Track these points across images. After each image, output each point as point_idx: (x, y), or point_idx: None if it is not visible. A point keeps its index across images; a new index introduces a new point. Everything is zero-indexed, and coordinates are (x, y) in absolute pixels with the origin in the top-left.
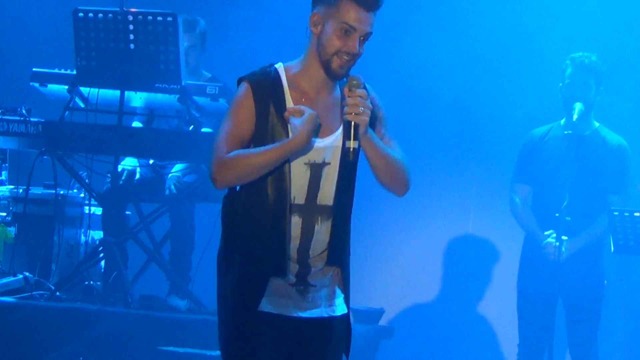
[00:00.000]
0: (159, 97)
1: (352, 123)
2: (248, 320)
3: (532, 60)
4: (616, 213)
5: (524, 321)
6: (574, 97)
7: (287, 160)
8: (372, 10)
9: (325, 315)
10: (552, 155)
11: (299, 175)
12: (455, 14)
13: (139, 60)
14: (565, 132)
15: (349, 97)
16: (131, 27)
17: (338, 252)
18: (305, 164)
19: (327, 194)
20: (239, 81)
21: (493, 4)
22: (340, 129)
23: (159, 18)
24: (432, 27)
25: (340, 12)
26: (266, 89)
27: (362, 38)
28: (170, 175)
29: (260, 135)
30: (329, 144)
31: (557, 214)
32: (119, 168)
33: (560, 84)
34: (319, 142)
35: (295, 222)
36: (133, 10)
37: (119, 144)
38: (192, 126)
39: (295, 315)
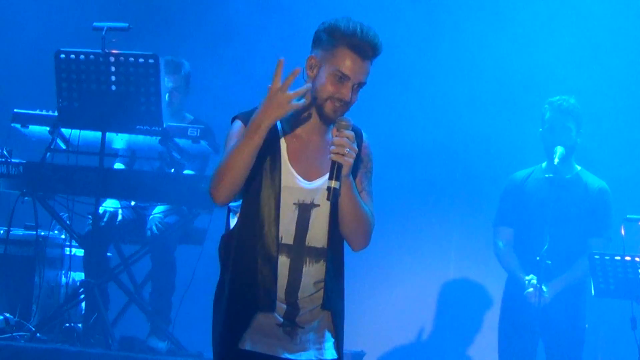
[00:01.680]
0: (141, 138)
1: (336, 163)
2: (231, 357)
3: (514, 104)
4: (597, 257)
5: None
6: (555, 140)
7: (278, 199)
8: (367, 59)
9: (313, 358)
10: (533, 198)
11: (287, 214)
12: (438, 54)
13: (121, 102)
14: (547, 175)
15: (336, 137)
16: (113, 68)
17: (333, 296)
18: (294, 203)
19: (316, 235)
20: (233, 119)
21: (477, 45)
22: None
23: (141, 60)
24: (416, 68)
25: (336, 58)
26: None
27: (355, 86)
28: (151, 216)
29: (254, 170)
30: (318, 187)
31: (537, 258)
32: (101, 209)
33: (540, 129)
34: (309, 184)
35: (283, 261)
36: (115, 51)
37: (100, 186)
38: (173, 168)
39: (282, 356)
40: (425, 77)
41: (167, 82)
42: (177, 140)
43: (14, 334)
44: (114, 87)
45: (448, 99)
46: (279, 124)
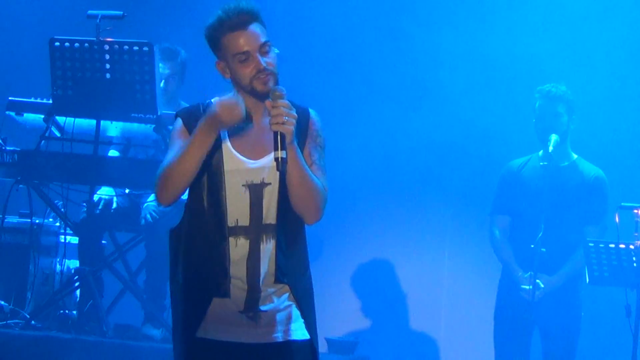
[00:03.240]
0: (135, 126)
1: (278, 133)
2: (191, 346)
3: (509, 94)
4: (591, 244)
5: (500, 352)
6: (547, 128)
7: (222, 183)
8: (247, 25)
9: (280, 340)
10: (529, 186)
11: (238, 197)
12: (432, 44)
13: (115, 90)
14: (542, 163)
15: (273, 107)
16: (107, 56)
17: (285, 270)
18: (243, 185)
19: (271, 213)
20: (175, 116)
21: (472, 35)
22: None
23: (135, 48)
24: (409, 59)
25: (228, 48)
26: (195, 116)
27: (262, 51)
28: (146, 204)
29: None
30: (266, 164)
31: (532, 245)
32: (95, 197)
33: (534, 120)
34: (254, 163)
35: (242, 243)
36: (109, 39)
37: (95, 173)
38: None
39: (245, 341)
40: (420, 68)
41: (163, 68)
42: (171, 127)
43: (8, 321)
44: (108, 75)
45: (443, 89)
46: None
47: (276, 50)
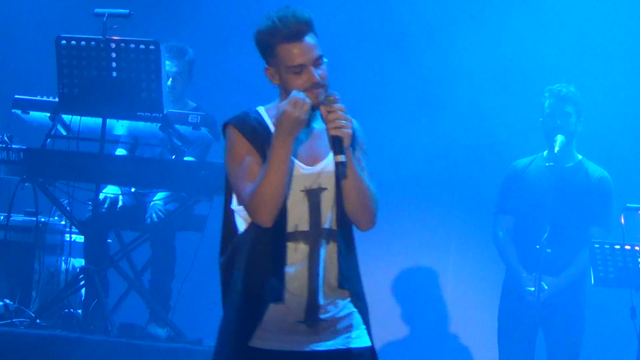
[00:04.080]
0: (142, 125)
1: (336, 137)
2: (242, 355)
3: (513, 94)
4: (597, 245)
5: (504, 353)
6: (555, 128)
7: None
8: (303, 36)
9: (341, 347)
10: (533, 186)
11: (297, 202)
12: (435, 45)
13: (122, 88)
14: (547, 164)
15: (328, 112)
16: (114, 54)
17: (347, 275)
18: (301, 191)
19: (328, 218)
20: (223, 127)
21: (476, 35)
22: (330, 156)
23: (142, 46)
24: (413, 60)
25: (281, 58)
26: (250, 126)
27: (315, 64)
28: (151, 203)
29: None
30: (321, 170)
31: (537, 246)
32: (101, 196)
33: (541, 118)
34: (310, 169)
35: (302, 248)
36: (116, 38)
37: (101, 172)
38: (174, 155)
39: (303, 350)
40: (424, 68)
41: (170, 66)
42: (177, 126)
43: (13, 320)
44: (114, 74)
45: (448, 90)
46: (269, 120)
47: (325, 60)
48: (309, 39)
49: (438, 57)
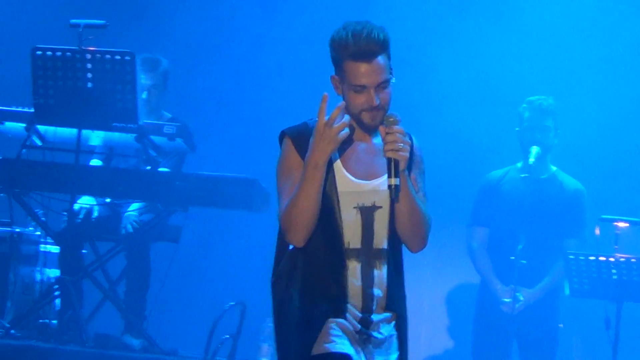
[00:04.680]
0: (117, 135)
1: (392, 160)
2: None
3: (488, 106)
4: (572, 257)
5: None
6: (533, 140)
7: (337, 204)
8: (373, 58)
9: None
10: (508, 198)
11: (350, 219)
12: (412, 54)
13: (97, 99)
14: (522, 175)
15: (387, 133)
16: (89, 65)
17: (395, 298)
18: (354, 207)
19: (380, 237)
20: (281, 135)
21: (452, 44)
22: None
23: (117, 57)
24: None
25: (347, 73)
26: (306, 138)
27: (378, 88)
28: (126, 214)
29: None
30: (377, 187)
31: (512, 257)
32: (76, 206)
33: (517, 128)
34: (366, 186)
35: (354, 266)
36: (91, 48)
37: (76, 183)
38: (149, 166)
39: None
40: (400, 80)
41: (145, 79)
42: (153, 137)
43: None
44: (90, 84)
45: (422, 102)
46: None
47: (393, 80)
48: (378, 61)
49: (415, 69)
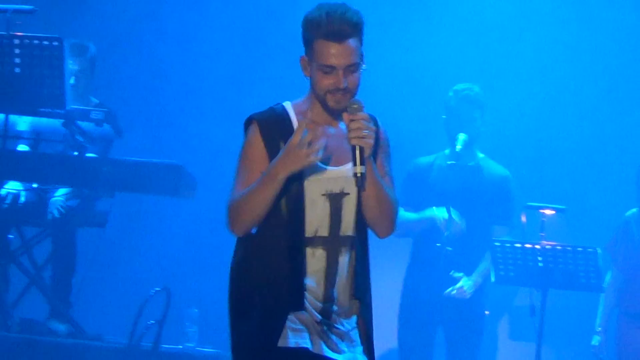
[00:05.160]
0: (44, 121)
1: (357, 147)
2: (272, 356)
3: (416, 92)
4: (497, 244)
5: (404, 352)
6: (460, 128)
7: (302, 192)
8: (345, 39)
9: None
10: (435, 185)
11: (318, 206)
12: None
13: (24, 84)
14: (449, 162)
15: (351, 120)
16: (17, 50)
17: (361, 285)
18: (322, 194)
19: (348, 224)
20: (248, 120)
21: (381, 33)
22: None
23: (45, 42)
24: None
25: (317, 53)
26: (274, 125)
27: (347, 70)
28: (53, 199)
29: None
30: (345, 173)
31: (438, 244)
32: (3, 191)
33: (444, 116)
34: (334, 172)
35: (320, 254)
36: (19, 34)
37: (3, 168)
38: (76, 151)
39: (320, 354)
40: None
41: (72, 65)
42: (80, 123)
43: None
44: (17, 70)
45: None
46: (294, 117)
47: (364, 67)
48: (350, 43)
49: None
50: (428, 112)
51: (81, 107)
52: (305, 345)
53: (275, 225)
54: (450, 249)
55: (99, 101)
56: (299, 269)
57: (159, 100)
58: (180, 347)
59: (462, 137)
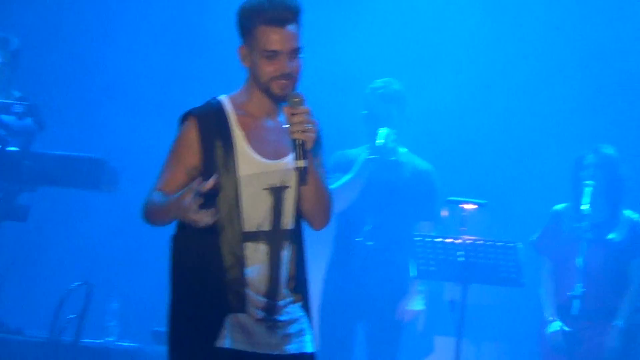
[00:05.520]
0: None
1: (298, 141)
2: (208, 357)
3: (339, 89)
4: (418, 239)
5: (325, 347)
6: (378, 123)
7: (237, 188)
8: (288, 23)
9: (295, 351)
10: (357, 179)
11: (260, 201)
12: None
13: None
14: (370, 157)
15: (292, 114)
16: None
17: (301, 278)
18: (264, 189)
19: (289, 218)
20: (186, 115)
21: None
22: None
23: None
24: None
25: (259, 39)
26: (211, 121)
27: (290, 55)
28: None
29: (208, 168)
30: (285, 166)
31: (359, 239)
32: None
33: (364, 112)
34: (274, 166)
35: (262, 249)
36: None
37: None
38: None
39: (262, 352)
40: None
41: None
42: (1, 116)
43: None
44: None
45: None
46: (231, 112)
47: (302, 55)
48: (291, 28)
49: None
50: (352, 106)
51: (2, 100)
52: (242, 348)
53: (214, 222)
54: (370, 243)
55: (22, 94)
56: (238, 267)
57: (81, 94)
58: (101, 341)
59: (383, 131)
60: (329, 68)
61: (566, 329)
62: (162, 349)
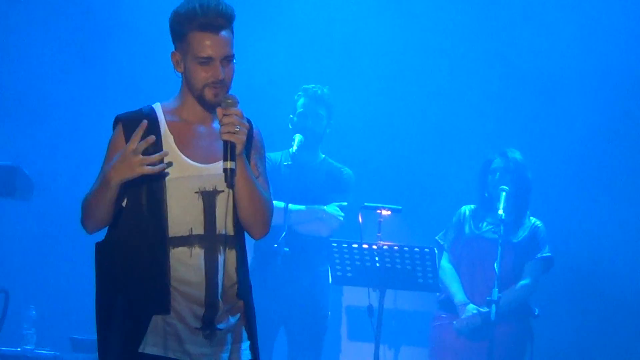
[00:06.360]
0: None
1: (229, 143)
2: None
3: (267, 93)
4: (334, 244)
5: None
6: (306, 127)
7: (163, 191)
8: (221, 30)
9: None
10: (276, 183)
11: (190, 204)
12: None
13: None
14: (285, 163)
15: (224, 115)
16: None
17: (244, 286)
18: (195, 192)
19: (225, 222)
20: (115, 120)
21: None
22: None
23: None
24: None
25: (192, 46)
26: (138, 125)
27: (224, 61)
28: None
29: None
30: (218, 171)
31: (275, 245)
32: None
33: (292, 115)
34: (206, 170)
35: (197, 253)
36: None
37: None
38: None
39: None
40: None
41: None
42: None
43: None
44: None
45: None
46: (161, 117)
47: (235, 62)
48: (224, 34)
49: None
50: (280, 113)
51: None
52: (170, 355)
53: (136, 224)
54: (287, 249)
55: None
56: (161, 269)
57: (41, 95)
58: (19, 349)
59: (298, 137)
60: (254, 74)
61: (483, 309)
62: (81, 357)
